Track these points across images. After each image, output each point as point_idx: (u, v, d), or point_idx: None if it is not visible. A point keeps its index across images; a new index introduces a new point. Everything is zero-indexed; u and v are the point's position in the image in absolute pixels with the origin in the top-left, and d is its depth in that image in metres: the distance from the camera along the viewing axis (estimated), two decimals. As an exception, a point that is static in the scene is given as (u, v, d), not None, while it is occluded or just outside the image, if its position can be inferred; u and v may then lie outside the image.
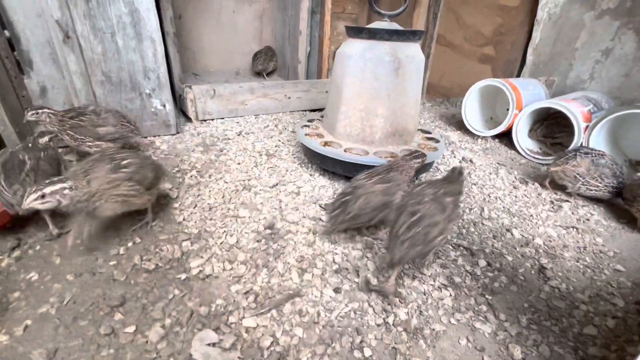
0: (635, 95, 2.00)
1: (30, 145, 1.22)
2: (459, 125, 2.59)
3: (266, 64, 3.02)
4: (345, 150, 1.53)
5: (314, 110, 2.74)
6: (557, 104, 1.88)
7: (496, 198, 1.64)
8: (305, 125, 1.79)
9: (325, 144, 1.60)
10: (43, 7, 1.44)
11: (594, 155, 1.55)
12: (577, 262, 1.25)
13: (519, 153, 2.16)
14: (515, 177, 1.87)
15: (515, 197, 1.67)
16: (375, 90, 1.49)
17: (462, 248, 1.26)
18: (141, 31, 1.67)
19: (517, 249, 1.28)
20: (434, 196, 1.00)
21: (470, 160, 2.02)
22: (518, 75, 2.53)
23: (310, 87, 2.67)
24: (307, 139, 1.60)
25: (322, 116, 1.93)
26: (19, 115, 1.52)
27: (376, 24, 1.52)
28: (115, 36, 1.63)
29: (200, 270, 1.06)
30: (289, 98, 2.61)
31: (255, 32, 3.16)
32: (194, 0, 2.81)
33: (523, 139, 2.16)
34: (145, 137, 1.93)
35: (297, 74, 2.84)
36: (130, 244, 1.13)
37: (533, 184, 1.79)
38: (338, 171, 1.59)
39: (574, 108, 1.84)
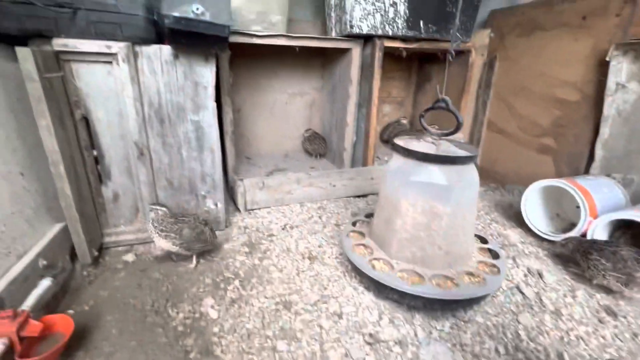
0: None
1: None
2: (519, 219, 2.34)
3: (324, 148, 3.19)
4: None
5: (359, 197, 2.73)
6: (645, 218, 1.62)
7: (578, 338, 1.37)
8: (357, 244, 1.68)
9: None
10: (125, 131, 1.68)
11: None
12: None
13: (598, 266, 1.85)
14: (598, 304, 1.57)
15: (604, 338, 1.37)
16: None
17: None
18: (203, 144, 1.84)
19: None
20: None
21: (539, 274, 1.76)
22: (587, 170, 2.29)
23: (355, 175, 2.69)
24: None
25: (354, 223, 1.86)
26: (91, 223, 1.70)
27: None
28: (181, 149, 1.82)
29: None
30: (334, 186, 2.64)
31: (305, 120, 3.38)
32: (251, 97, 3.13)
33: (602, 249, 1.86)
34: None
35: (343, 160, 2.90)
36: (165, 385, 1.10)
37: (625, 318, 1.48)
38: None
39: (667, 226, 1.56)
